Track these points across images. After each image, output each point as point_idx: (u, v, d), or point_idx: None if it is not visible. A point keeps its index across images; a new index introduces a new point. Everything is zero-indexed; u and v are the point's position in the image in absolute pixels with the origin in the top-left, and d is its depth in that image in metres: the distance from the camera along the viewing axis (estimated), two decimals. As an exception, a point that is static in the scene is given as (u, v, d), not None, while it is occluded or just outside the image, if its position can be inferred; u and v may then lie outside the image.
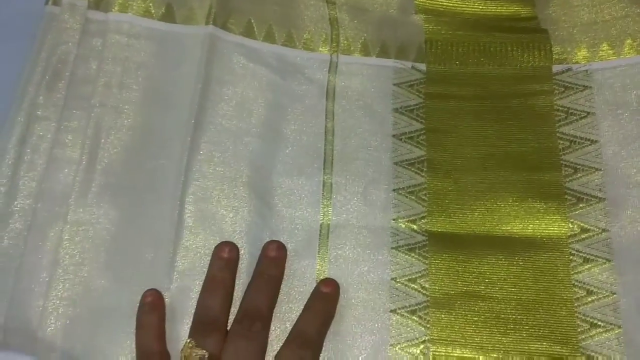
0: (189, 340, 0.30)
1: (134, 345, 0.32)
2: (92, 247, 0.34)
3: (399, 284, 0.34)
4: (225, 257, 0.33)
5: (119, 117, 0.36)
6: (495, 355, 0.32)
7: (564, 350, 0.31)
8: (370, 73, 0.39)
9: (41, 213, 0.34)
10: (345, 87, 0.39)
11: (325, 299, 0.33)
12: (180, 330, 0.32)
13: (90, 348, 0.32)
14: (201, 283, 0.33)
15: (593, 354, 0.32)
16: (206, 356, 0.29)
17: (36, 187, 0.34)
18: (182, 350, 0.30)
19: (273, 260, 0.33)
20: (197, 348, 0.30)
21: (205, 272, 0.33)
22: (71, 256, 0.33)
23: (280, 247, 0.34)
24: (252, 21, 0.40)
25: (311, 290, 0.33)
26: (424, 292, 0.33)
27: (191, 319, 0.32)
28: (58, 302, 0.32)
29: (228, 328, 0.32)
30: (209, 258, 0.34)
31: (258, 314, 0.31)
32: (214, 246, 0.34)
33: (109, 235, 0.34)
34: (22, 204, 0.34)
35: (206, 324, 0.31)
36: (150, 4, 0.39)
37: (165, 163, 0.36)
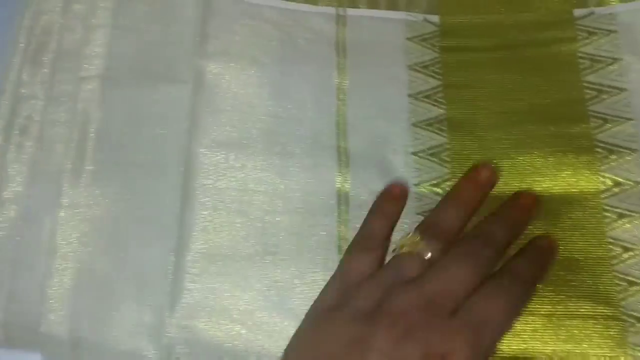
0: (415, 234, 0.28)
1: (140, 328, 0.30)
2: (91, 231, 0.31)
3: (427, 252, 0.32)
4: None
5: (111, 88, 0.33)
6: (539, 319, 0.30)
7: (606, 310, 0.30)
8: (381, 27, 0.36)
9: (35, 199, 0.31)
10: (355, 42, 0.36)
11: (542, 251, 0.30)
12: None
13: (97, 335, 0.30)
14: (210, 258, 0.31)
15: (634, 313, 0.30)
16: (427, 257, 0.27)
17: (27, 171, 0.31)
18: (401, 238, 0.28)
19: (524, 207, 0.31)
20: (424, 244, 0.27)
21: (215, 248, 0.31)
22: (69, 243, 0.31)
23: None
24: None
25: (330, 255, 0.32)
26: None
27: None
28: (62, 291, 0.30)
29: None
30: (218, 233, 0.31)
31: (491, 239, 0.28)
32: (221, 219, 0.31)
33: (109, 216, 0.31)
34: (13, 190, 0.31)
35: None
36: None
37: (166, 133, 0.33)
